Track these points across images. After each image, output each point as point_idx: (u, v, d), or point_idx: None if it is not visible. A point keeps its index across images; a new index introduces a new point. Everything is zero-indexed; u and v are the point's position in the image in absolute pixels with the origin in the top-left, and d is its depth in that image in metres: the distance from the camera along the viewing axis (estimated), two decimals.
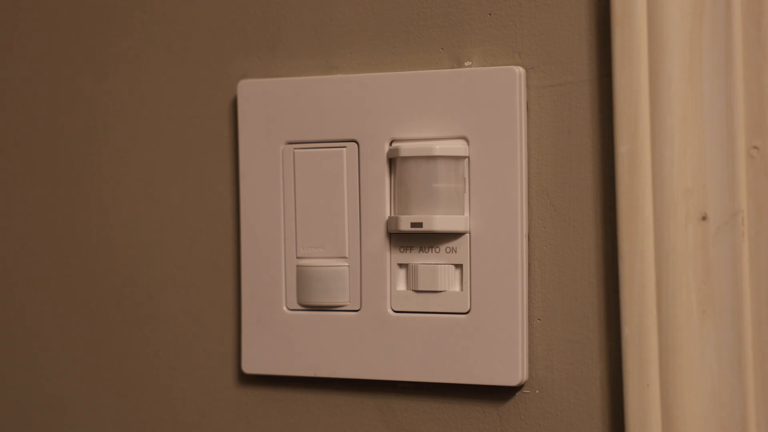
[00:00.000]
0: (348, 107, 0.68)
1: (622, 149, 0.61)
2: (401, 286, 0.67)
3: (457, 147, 0.65)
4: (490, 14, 0.66)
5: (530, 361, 0.65)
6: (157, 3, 0.74)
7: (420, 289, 0.66)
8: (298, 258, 0.69)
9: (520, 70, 0.65)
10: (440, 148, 0.65)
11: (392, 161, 0.67)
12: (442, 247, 0.66)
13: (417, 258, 0.67)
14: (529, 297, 0.65)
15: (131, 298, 0.75)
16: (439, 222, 0.65)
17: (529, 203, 0.65)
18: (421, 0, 0.67)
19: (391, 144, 0.67)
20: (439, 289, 0.66)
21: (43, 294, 0.77)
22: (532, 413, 0.66)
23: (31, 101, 0.77)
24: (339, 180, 0.68)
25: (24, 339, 0.78)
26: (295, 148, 0.69)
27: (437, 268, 0.66)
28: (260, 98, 0.70)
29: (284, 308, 0.70)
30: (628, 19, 0.61)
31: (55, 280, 0.77)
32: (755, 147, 0.60)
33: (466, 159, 0.65)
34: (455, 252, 0.66)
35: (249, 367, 0.71)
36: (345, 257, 0.68)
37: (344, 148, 0.68)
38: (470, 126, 0.65)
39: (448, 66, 0.67)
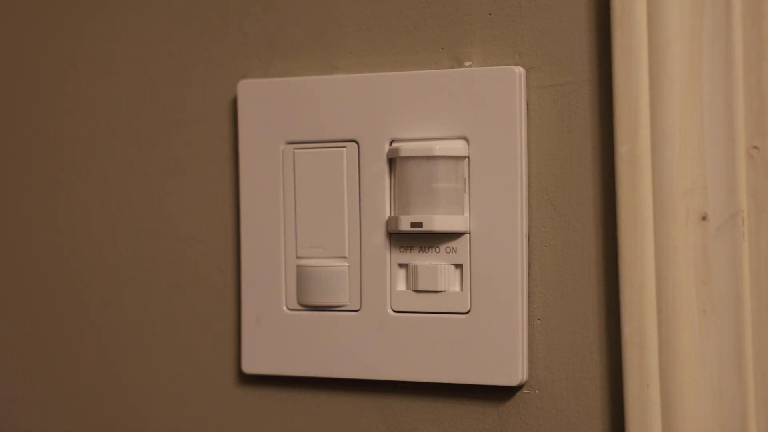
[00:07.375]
0: (348, 107, 0.68)
1: (622, 149, 0.61)
2: (401, 286, 0.67)
3: (457, 147, 0.65)
4: (490, 14, 0.66)
5: (530, 361, 0.65)
6: (157, 3, 0.74)
7: (420, 289, 0.66)
8: (298, 258, 0.69)
9: (520, 70, 0.65)
10: (440, 148, 0.65)
11: (392, 161, 0.67)
12: (442, 247, 0.66)
13: (417, 258, 0.67)
14: (529, 297, 0.65)
15: (131, 297, 0.75)
16: (439, 222, 0.65)
17: (529, 203, 0.65)
18: (421, 0, 0.67)
19: (391, 144, 0.67)
20: (439, 289, 0.66)
21: (42, 294, 0.77)
22: (532, 413, 0.66)
23: (31, 101, 0.77)
24: (339, 180, 0.68)
25: (23, 339, 0.78)
26: (295, 148, 0.69)
27: (437, 268, 0.66)
28: (260, 98, 0.70)
29: (284, 308, 0.70)
30: (628, 19, 0.61)
31: (55, 279, 0.77)
32: (755, 147, 0.60)
33: (466, 159, 0.65)
34: (455, 252, 0.66)
35: (249, 367, 0.71)
36: (345, 257, 0.68)
37: (344, 148, 0.68)
38: (470, 126, 0.65)
39: (448, 66, 0.67)
